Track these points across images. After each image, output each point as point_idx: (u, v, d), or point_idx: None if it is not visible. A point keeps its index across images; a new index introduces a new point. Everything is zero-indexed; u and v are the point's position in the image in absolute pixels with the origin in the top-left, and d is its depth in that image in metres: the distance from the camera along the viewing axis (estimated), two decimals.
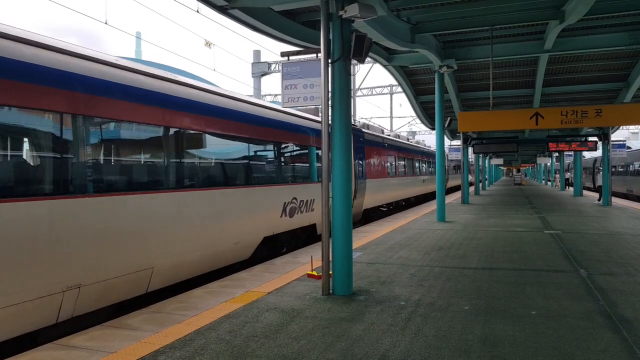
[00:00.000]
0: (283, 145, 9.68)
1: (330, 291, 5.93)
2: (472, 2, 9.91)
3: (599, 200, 22.54)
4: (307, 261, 7.81)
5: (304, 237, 10.92)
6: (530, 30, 12.43)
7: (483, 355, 3.97)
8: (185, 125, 6.70)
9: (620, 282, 6.45)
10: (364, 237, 10.96)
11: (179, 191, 6.45)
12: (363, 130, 15.87)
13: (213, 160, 7.54)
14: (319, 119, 11.84)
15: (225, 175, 7.71)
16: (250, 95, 8.88)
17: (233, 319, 4.95)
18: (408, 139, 26.48)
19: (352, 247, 6.16)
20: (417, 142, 29.18)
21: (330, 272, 5.99)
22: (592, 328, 4.60)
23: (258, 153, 8.73)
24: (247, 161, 8.29)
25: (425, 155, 27.30)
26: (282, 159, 9.70)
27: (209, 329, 4.65)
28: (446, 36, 12.95)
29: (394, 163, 19.18)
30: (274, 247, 9.45)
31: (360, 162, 14.64)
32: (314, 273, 6.79)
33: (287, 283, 6.51)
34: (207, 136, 7.25)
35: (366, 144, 15.43)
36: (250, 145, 8.39)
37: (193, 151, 6.96)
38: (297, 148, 10.38)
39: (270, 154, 9.32)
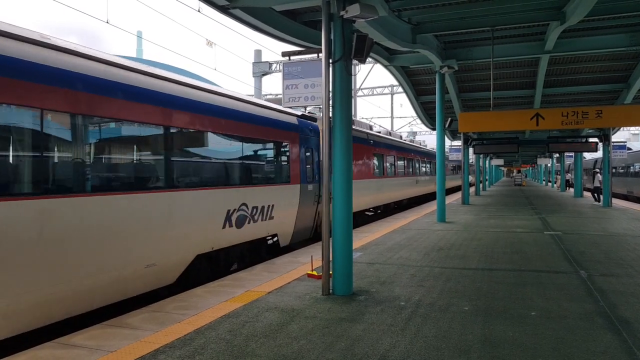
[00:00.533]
0: (227, 138, 7.76)
1: (331, 291, 5.94)
2: (473, 2, 9.91)
3: (598, 202, 22.54)
4: (307, 261, 7.82)
5: (264, 249, 9.25)
6: (531, 31, 12.43)
7: (483, 355, 3.97)
8: (44, 101, 4.73)
9: (620, 283, 6.45)
10: (364, 237, 10.96)
11: (39, 198, 4.63)
12: None
13: (101, 156, 5.57)
14: (284, 109, 10.21)
15: (126, 176, 5.82)
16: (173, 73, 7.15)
17: (233, 319, 4.95)
18: (401, 137, 24.71)
19: (352, 247, 6.16)
20: (412, 141, 27.45)
21: (331, 272, 5.99)
22: (591, 329, 4.60)
23: (186, 148, 6.89)
24: (164, 157, 6.32)
25: (420, 154, 25.54)
26: (226, 156, 7.76)
27: (209, 328, 4.65)
28: (447, 37, 12.95)
29: (382, 162, 17.68)
30: (217, 265, 7.74)
31: None
32: (314, 273, 6.80)
33: (287, 283, 6.51)
34: (90, 121, 5.33)
35: None
36: (173, 137, 6.49)
37: (65, 142, 5.07)
38: (250, 142, 8.43)
39: (207, 149, 7.33)
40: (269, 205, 8.78)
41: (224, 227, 7.46)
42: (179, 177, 6.69)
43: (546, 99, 19.74)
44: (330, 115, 6.00)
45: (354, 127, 15.49)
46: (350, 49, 5.95)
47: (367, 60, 6.68)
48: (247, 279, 6.77)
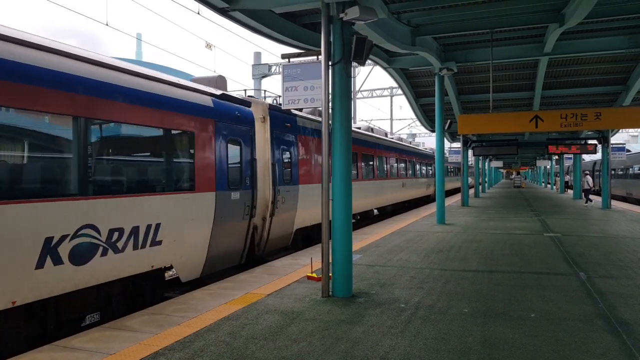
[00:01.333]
0: (43, 118, 4.84)
1: (330, 293, 5.94)
2: (473, 5, 9.93)
3: (590, 202, 22.57)
4: (307, 263, 7.82)
5: (160, 285, 6.67)
6: (530, 33, 12.45)
7: (482, 357, 3.97)
8: None
9: (619, 285, 6.45)
10: (364, 239, 10.97)
11: None
12: (297, 114, 10.85)
13: None
14: (188, 83, 7.34)
15: None
16: None
17: (233, 321, 4.95)
18: (386, 134, 21.16)
19: (352, 249, 6.16)
20: (400, 139, 24.55)
21: (330, 274, 5.99)
22: (591, 331, 4.61)
23: None
24: None
25: (407, 154, 22.44)
26: (46, 149, 4.93)
27: (208, 331, 4.65)
28: (446, 39, 12.97)
29: (356, 162, 14.82)
30: (42, 323, 5.04)
31: (288, 159, 10.14)
32: (314, 275, 6.79)
33: (287, 285, 6.51)
34: None
35: (301, 133, 10.86)
36: None
37: None
38: (106, 127, 5.56)
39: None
40: (149, 225, 5.96)
41: (39, 266, 4.62)
42: None
43: (545, 101, 19.77)
44: (330, 119, 6.01)
45: (315, 117, 12.02)
46: (350, 51, 5.97)
47: (367, 62, 6.69)
48: (246, 281, 6.77)
